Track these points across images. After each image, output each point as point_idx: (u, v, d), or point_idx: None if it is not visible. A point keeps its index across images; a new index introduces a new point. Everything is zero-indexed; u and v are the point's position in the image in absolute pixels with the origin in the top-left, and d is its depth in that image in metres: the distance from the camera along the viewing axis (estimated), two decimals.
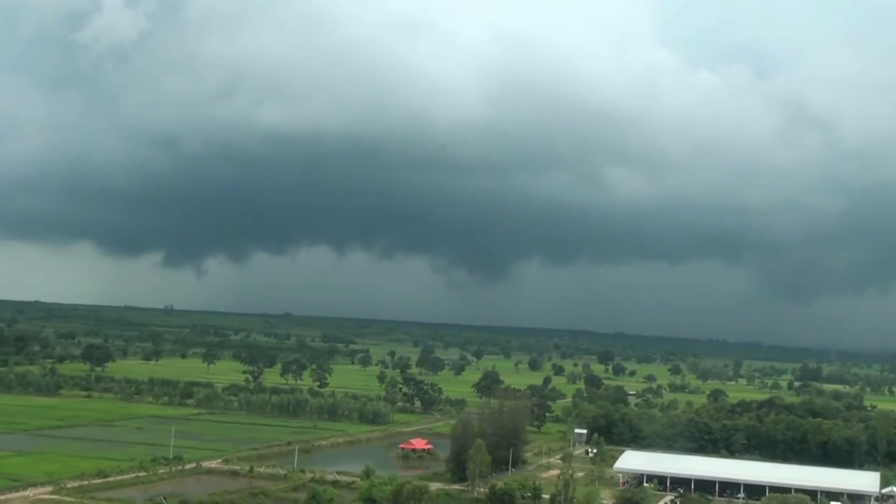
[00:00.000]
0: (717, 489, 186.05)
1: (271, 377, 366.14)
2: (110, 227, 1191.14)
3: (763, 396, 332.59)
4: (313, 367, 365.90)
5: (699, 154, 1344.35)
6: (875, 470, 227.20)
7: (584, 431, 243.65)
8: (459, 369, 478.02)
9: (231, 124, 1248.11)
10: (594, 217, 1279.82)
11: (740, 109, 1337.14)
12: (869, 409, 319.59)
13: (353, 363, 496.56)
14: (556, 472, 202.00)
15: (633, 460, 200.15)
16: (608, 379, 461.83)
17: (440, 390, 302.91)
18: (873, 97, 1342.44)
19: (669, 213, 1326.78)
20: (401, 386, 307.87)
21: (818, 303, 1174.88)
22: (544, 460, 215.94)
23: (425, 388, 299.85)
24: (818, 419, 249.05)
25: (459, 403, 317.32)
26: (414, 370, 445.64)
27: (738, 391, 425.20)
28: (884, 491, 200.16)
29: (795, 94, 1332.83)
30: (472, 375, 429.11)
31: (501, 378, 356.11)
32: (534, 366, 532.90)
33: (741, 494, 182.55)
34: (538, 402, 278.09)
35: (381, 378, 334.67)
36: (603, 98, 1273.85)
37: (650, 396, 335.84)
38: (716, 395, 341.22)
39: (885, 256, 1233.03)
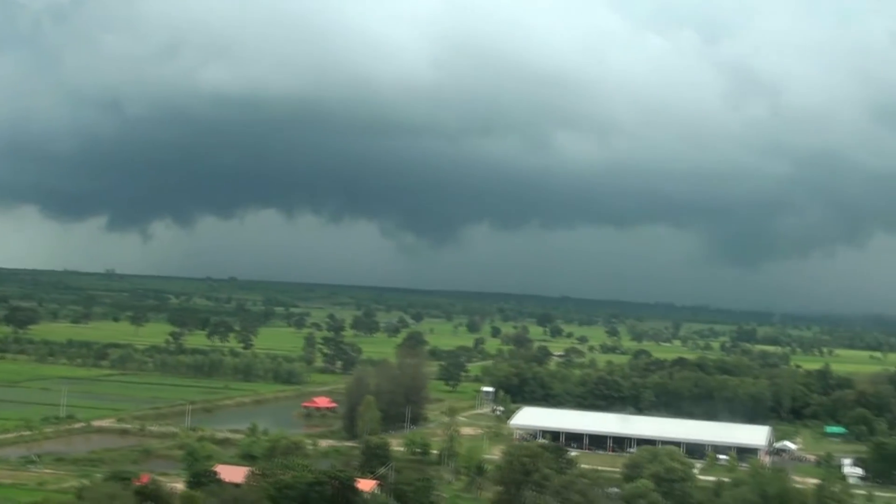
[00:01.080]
0: (609, 444, 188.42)
1: (198, 340, 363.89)
2: (54, 190, 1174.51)
3: (693, 356, 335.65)
4: (238, 329, 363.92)
5: (648, 119, 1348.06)
6: (779, 425, 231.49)
7: (492, 390, 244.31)
8: (394, 331, 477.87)
9: (175, 85, 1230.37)
10: (543, 181, 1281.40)
11: (689, 74, 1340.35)
12: (792, 368, 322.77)
13: (289, 326, 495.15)
14: (466, 429, 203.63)
15: (529, 417, 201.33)
16: (545, 341, 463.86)
17: (360, 350, 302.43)
18: (819, 62, 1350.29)
19: (618, 177, 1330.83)
20: (320, 346, 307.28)
21: (764, 266, 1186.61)
22: (447, 418, 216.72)
23: (344, 348, 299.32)
24: (725, 377, 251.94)
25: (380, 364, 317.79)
26: (348, 332, 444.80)
27: (671, 352, 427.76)
28: (776, 445, 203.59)
29: (743, 60, 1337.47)
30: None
31: (426, 339, 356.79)
32: (472, 328, 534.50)
33: (632, 449, 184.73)
34: (454, 362, 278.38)
35: (308, 340, 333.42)
36: (551, 62, 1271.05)
37: (572, 356, 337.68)
38: (639, 355, 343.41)
39: (830, 220, 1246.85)
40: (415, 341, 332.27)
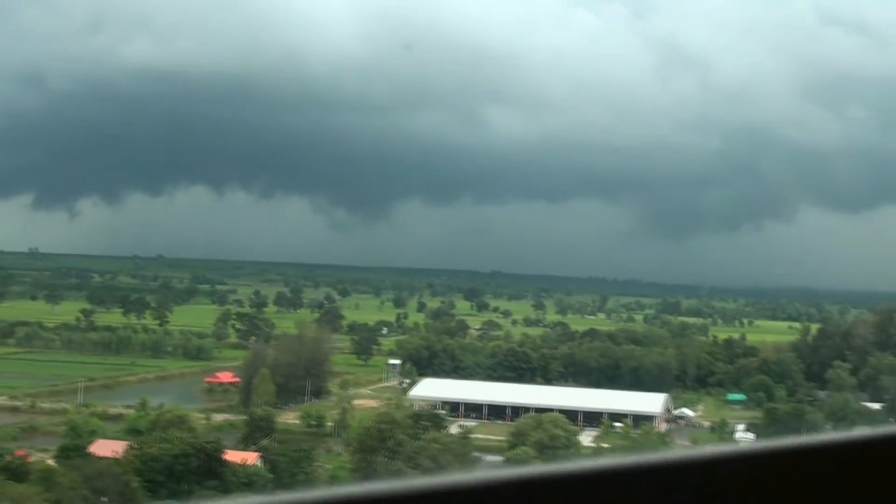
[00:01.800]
0: (508, 413, 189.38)
1: (114, 317, 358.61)
2: None
3: (613, 328, 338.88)
4: (154, 306, 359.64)
5: (579, 94, 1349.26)
6: (684, 393, 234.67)
7: (398, 362, 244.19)
8: (318, 307, 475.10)
9: (99, 60, 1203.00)
10: (475, 156, 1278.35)
11: (619, 49, 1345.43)
12: (699, 338, 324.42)
13: (213, 303, 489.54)
14: (360, 401, 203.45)
15: (428, 388, 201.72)
16: (470, 315, 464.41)
17: (273, 325, 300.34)
18: (746, 38, 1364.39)
19: (550, 152, 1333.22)
20: (234, 322, 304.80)
21: (694, 240, 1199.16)
22: (351, 391, 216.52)
23: (258, 323, 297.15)
24: (632, 346, 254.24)
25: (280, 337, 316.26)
26: (271, 308, 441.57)
27: (593, 324, 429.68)
28: (675, 412, 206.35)
29: (671, 35, 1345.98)
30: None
31: (344, 314, 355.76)
32: (398, 303, 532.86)
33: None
34: (366, 336, 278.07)
35: (222, 316, 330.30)
36: (481, 36, 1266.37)
37: (489, 330, 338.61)
38: (556, 327, 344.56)
39: (759, 194, 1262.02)
40: (331, 316, 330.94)
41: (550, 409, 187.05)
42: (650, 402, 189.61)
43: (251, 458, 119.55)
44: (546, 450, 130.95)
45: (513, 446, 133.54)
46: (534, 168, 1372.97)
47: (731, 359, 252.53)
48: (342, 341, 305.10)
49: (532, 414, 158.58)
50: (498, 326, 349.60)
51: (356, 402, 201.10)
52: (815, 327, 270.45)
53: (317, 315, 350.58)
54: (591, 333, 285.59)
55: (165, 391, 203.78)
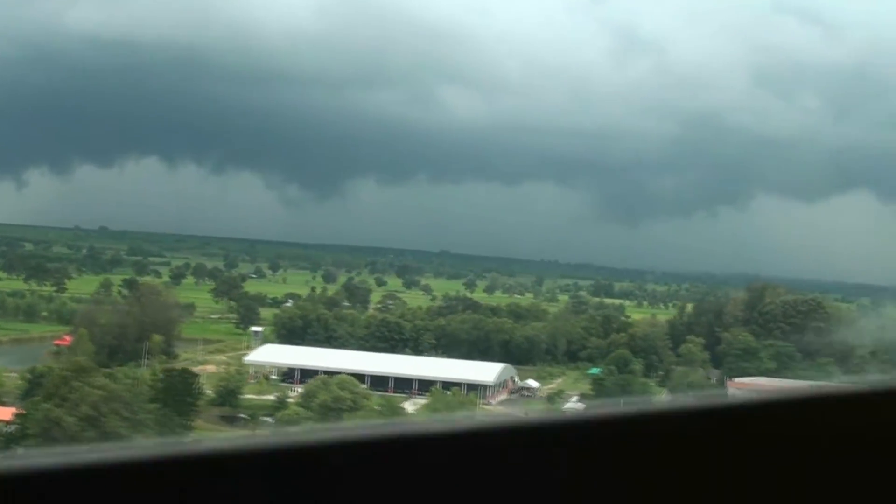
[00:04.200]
0: None
1: (16, 284, 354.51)
2: None
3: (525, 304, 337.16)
4: (56, 275, 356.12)
5: (534, 75, 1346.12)
6: (550, 366, 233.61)
7: (260, 330, 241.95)
8: (242, 280, 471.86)
9: (43, 24, 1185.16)
10: (430, 136, 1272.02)
11: (576, 32, 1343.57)
12: (626, 319, 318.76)
13: (135, 274, 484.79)
14: (207, 366, 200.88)
15: (268, 353, 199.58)
16: (398, 291, 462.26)
17: (159, 293, 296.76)
18: (702, 24, 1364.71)
19: (505, 133, 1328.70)
20: (119, 288, 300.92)
21: (648, 225, 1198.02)
22: (200, 356, 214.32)
23: (143, 290, 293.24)
24: (503, 320, 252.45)
25: (188, 307, 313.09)
26: (189, 280, 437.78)
27: (517, 302, 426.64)
28: (521, 383, 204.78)
29: (628, 19, 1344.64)
30: (255, 286, 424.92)
31: (243, 284, 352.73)
32: (328, 279, 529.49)
33: (364, 385, 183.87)
34: (246, 305, 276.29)
35: (104, 283, 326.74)
36: (436, 14, 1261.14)
37: (390, 303, 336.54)
38: (464, 302, 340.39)
39: (713, 181, 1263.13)
40: (228, 286, 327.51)
41: (385, 377, 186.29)
42: (485, 372, 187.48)
43: (7, 414, 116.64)
44: (329, 411, 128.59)
45: (278, 408, 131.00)
46: (489, 149, 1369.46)
47: (605, 334, 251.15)
48: (231, 311, 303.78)
49: (321, 376, 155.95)
50: (399, 300, 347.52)
51: (201, 367, 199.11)
52: (691, 306, 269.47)
53: (212, 286, 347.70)
54: (473, 307, 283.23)
55: (11, 353, 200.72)
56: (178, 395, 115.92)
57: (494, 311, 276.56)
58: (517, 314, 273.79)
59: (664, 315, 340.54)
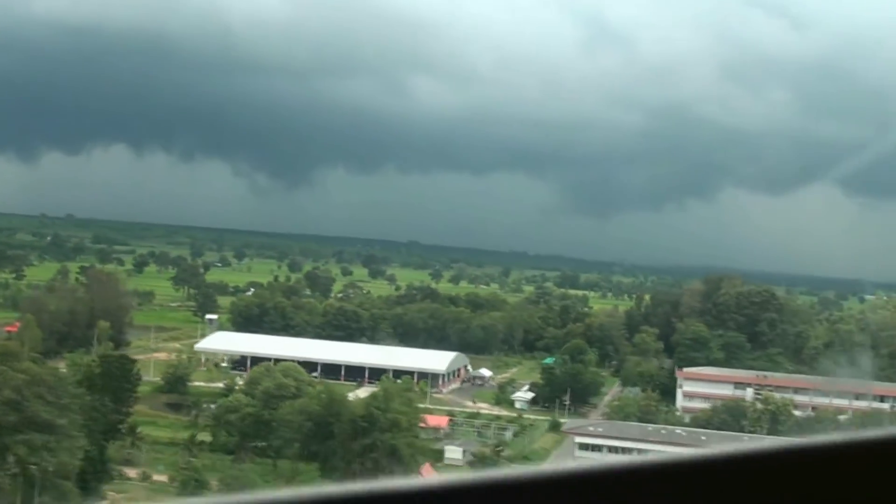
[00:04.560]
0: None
1: None
2: None
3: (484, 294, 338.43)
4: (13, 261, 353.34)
5: (504, 66, 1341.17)
6: (506, 356, 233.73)
7: (215, 317, 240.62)
8: (206, 269, 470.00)
9: (10, 10, 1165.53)
10: (399, 126, 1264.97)
11: (545, 22, 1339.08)
12: (584, 310, 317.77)
13: (100, 261, 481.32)
14: (159, 354, 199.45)
15: (218, 341, 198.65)
16: (363, 281, 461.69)
17: (118, 281, 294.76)
18: (671, 16, 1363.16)
19: (475, 124, 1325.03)
20: (77, 276, 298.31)
21: (618, 217, 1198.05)
22: (153, 343, 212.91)
23: (101, 278, 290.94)
24: (460, 309, 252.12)
25: (147, 295, 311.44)
26: (151, 268, 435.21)
27: (482, 293, 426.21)
28: (474, 373, 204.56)
29: (598, 9, 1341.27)
30: (219, 275, 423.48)
31: (206, 273, 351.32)
32: (293, 268, 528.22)
33: (315, 373, 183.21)
34: (204, 293, 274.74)
35: (61, 270, 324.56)
36: (406, 3, 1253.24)
37: (351, 292, 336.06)
38: (414, 290, 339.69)
39: (682, 174, 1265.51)
40: (188, 274, 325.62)
41: (337, 365, 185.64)
42: (437, 361, 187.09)
43: None
44: (272, 399, 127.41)
45: (226, 394, 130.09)
46: (458, 140, 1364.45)
47: (563, 324, 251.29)
48: (189, 299, 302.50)
49: (265, 363, 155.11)
50: (359, 289, 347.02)
51: (153, 354, 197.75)
52: (649, 296, 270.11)
53: (172, 273, 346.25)
54: (432, 295, 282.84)
55: None
56: (115, 382, 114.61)
57: (453, 300, 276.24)
58: (476, 304, 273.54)
59: (627, 306, 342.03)
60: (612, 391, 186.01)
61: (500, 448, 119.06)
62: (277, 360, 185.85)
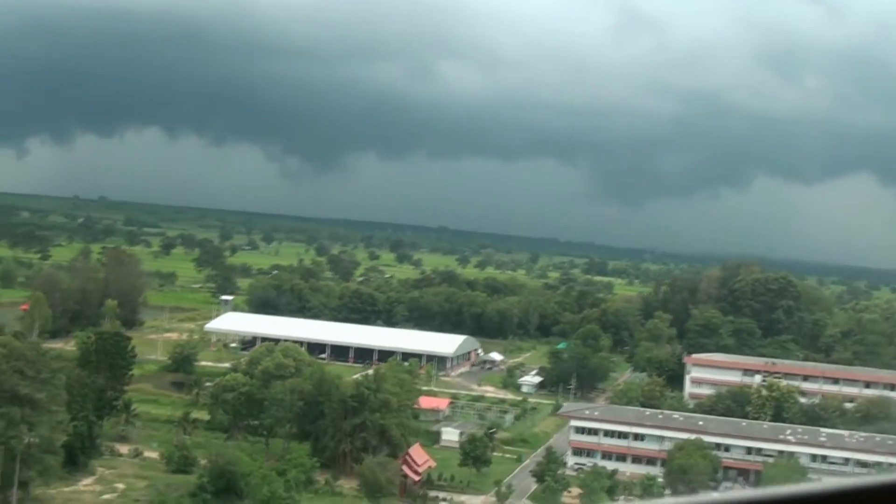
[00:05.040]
0: (303, 349, 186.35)
1: (1, 251, 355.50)
2: None
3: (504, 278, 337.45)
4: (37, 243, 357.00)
5: (534, 52, 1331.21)
6: (521, 340, 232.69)
7: (230, 298, 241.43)
8: (233, 251, 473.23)
9: None
10: (429, 111, 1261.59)
11: (575, 7, 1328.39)
12: (606, 296, 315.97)
13: (127, 243, 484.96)
14: (169, 334, 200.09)
15: (229, 322, 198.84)
16: (391, 266, 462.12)
17: (139, 262, 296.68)
18: (702, 2, 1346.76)
19: (505, 110, 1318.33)
20: (98, 257, 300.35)
21: (649, 205, 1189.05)
22: (167, 323, 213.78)
23: (123, 259, 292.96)
24: (476, 293, 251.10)
25: (169, 276, 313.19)
26: (178, 250, 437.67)
27: (510, 279, 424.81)
28: (485, 356, 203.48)
29: None
30: (246, 258, 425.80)
31: (233, 256, 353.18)
32: (321, 252, 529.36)
33: (323, 355, 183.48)
34: (223, 275, 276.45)
35: (84, 251, 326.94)
36: None
37: (374, 275, 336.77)
38: (442, 276, 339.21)
39: (714, 162, 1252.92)
40: (210, 255, 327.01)
41: (346, 346, 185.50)
42: (445, 344, 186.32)
43: None
44: (271, 378, 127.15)
45: (227, 374, 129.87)
46: (488, 125, 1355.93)
47: (579, 309, 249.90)
48: (209, 281, 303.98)
49: (267, 343, 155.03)
50: (380, 273, 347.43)
51: (166, 334, 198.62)
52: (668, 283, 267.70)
53: (195, 255, 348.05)
54: (450, 279, 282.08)
55: None
56: (110, 359, 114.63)
57: (471, 284, 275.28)
58: (494, 288, 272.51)
59: (641, 290, 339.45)
60: (625, 376, 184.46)
61: (493, 430, 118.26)
62: (287, 342, 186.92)
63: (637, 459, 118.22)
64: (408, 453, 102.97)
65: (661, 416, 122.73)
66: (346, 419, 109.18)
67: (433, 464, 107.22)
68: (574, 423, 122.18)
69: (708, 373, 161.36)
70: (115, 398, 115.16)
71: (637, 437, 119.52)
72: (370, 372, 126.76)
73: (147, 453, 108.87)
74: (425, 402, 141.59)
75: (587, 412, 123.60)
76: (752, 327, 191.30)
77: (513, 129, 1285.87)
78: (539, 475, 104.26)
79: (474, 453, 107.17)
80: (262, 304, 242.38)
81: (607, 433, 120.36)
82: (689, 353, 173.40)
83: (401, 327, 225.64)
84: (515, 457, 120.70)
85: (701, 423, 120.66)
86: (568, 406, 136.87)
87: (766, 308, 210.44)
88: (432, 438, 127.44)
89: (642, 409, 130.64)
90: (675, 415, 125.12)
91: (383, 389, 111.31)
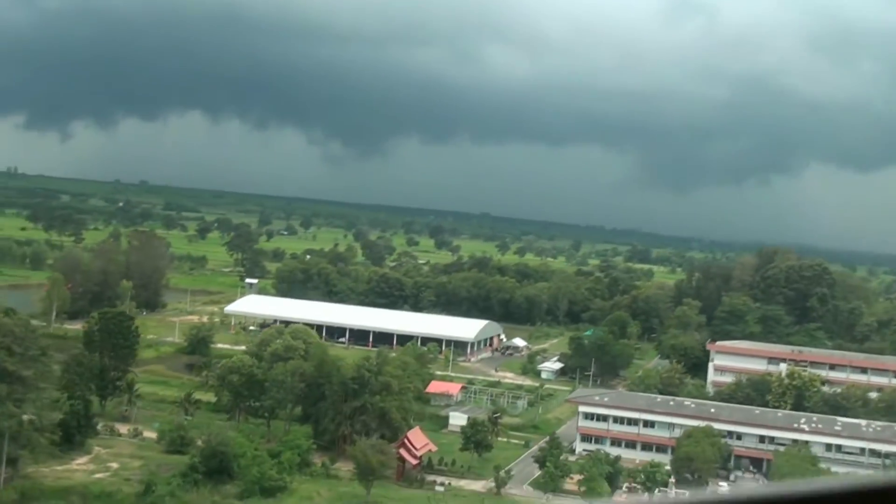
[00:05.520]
0: (323, 332, 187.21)
1: (37, 233, 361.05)
2: None
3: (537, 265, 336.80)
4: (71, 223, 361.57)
5: (580, 35, 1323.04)
6: (547, 327, 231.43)
7: (255, 281, 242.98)
8: (269, 236, 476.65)
9: None
10: (473, 95, 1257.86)
11: None
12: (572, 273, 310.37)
13: (163, 227, 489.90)
14: (190, 317, 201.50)
15: (249, 304, 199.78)
16: (429, 252, 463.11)
17: (169, 245, 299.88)
18: None
19: (550, 94, 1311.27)
20: (127, 240, 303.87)
21: (697, 192, 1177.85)
22: (189, 306, 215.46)
23: (155, 244, 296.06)
24: (504, 278, 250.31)
25: (200, 260, 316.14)
26: (214, 234, 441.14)
27: (549, 266, 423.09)
28: (508, 342, 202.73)
29: None
30: (282, 243, 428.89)
31: (256, 237, 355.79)
32: (358, 238, 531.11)
33: (343, 339, 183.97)
34: (251, 258, 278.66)
35: (114, 234, 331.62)
36: None
37: (406, 260, 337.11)
38: (473, 261, 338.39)
39: (765, 148, 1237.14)
40: (244, 238, 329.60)
41: (366, 331, 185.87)
42: (466, 329, 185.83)
43: None
44: (279, 360, 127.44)
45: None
46: (533, 110, 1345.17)
47: (611, 296, 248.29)
48: (237, 265, 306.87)
49: (277, 325, 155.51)
50: (412, 257, 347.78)
51: (188, 317, 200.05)
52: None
53: (227, 240, 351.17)
54: (481, 264, 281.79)
55: (7, 298, 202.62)
56: (112, 339, 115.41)
57: (501, 270, 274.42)
58: (524, 274, 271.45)
59: (682, 277, 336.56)
60: (651, 363, 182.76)
61: (498, 415, 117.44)
62: (306, 325, 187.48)
63: (647, 447, 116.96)
64: (406, 436, 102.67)
65: (672, 403, 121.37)
66: (347, 402, 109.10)
67: (433, 448, 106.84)
68: (583, 409, 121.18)
69: (731, 360, 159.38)
70: (117, 378, 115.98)
71: (647, 424, 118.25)
72: (369, 353, 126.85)
73: (148, 434, 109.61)
74: (436, 386, 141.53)
75: (596, 398, 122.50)
76: (779, 314, 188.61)
77: (558, 114, 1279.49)
78: (541, 461, 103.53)
79: (475, 438, 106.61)
80: (290, 289, 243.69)
81: (616, 420, 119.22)
82: (714, 340, 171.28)
83: (427, 312, 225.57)
84: (523, 443, 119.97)
85: (713, 410, 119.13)
86: (578, 392, 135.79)
87: (799, 296, 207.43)
88: (441, 423, 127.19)
89: (653, 395, 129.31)
90: (687, 402, 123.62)
91: (385, 372, 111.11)
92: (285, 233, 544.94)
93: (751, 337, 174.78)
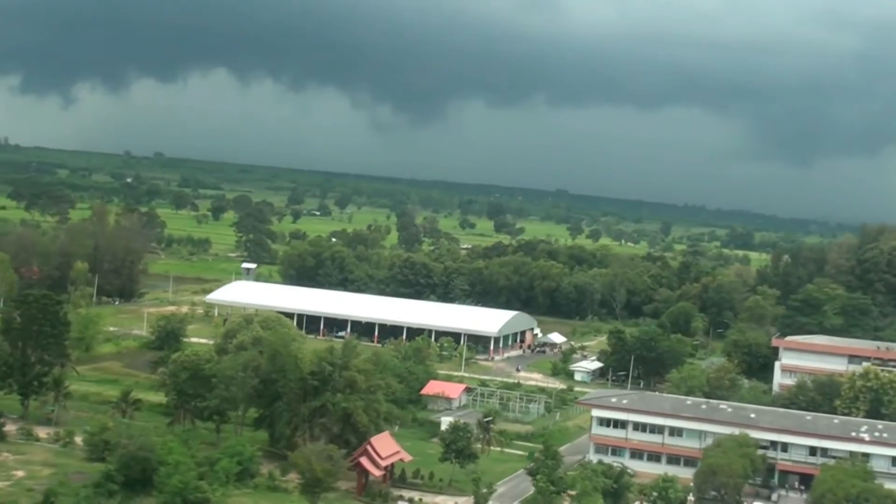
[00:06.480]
0: (322, 324, 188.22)
1: (18, 213, 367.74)
2: None
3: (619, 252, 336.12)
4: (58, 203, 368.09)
5: None
6: (600, 321, 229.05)
7: (253, 266, 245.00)
8: (296, 216, 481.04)
9: None
10: (548, 49, 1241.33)
11: None
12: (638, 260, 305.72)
13: (169, 206, 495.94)
14: (171, 307, 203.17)
15: (230, 292, 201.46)
16: (483, 235, 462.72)
17: (164, 224, 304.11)
18: None
19: (640, 46, 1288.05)
20: (118, 220, 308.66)
21: (822, 164, 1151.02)
22: (173, 295, 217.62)
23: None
24: (551, 263, 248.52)
25: (203, 243, 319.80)
26: (229, 214, 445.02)
27: (629, 251, 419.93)
28: (541, 337, 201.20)
29: None
30: (310, 224, 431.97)
31: (268, 217, 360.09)
32: (401, 218, 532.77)
33: (343, 332, 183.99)
34: (258, 241, 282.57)
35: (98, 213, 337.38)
36: None
37: (446, 243, 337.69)
38: (527, 244, 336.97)
39: None
40: (254, 219, 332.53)
41: (371, 322, 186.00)
42: (489, 322, 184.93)
43: None
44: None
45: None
46: (620, 65, 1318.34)
47: (680, 284, 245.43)
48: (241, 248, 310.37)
49: (244, 313, 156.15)
50: (455, 240, 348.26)
51: (167, 307, 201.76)
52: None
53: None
54: (528, 248, 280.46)
55: None
56: (37, 327, 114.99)
57: (551, 254, 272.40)
58: (579, 259, 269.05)
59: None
60: (706, 363, 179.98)
61: (489, 420, 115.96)
62: (300, 316, 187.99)
63: (673, 459, 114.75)
64: (369, 443, 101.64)
65: (704, 407, 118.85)
66: (305, 401, 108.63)
67: (407, 457, 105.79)
68: (596, 413, 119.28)
69: (802, 359, 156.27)
70: (43, 374, 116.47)
71: (674, 431, 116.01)
72: (332, 343, 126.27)
73: (77, 439, 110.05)
74: (432, 387, 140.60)
75: (613, 400, 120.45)
76: (866, 304, 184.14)
77: (651, 71, 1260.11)
78: (533, 475, 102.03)
79: (455, 446, 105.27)
80: (297, 275, 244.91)
81: (637, 426, 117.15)
82: (784, 335, 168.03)
83: (459, 303, 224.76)
84: (527, 453, 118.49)
85: (752, 416, 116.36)
86: (593, 393, 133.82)
87: None
88: (432, 430, 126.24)
89: (682, 398, 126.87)
90: (723, 405, 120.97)
91: (351, 366, 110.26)
92: (317, 213, 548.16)
93: (829, 331, 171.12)
